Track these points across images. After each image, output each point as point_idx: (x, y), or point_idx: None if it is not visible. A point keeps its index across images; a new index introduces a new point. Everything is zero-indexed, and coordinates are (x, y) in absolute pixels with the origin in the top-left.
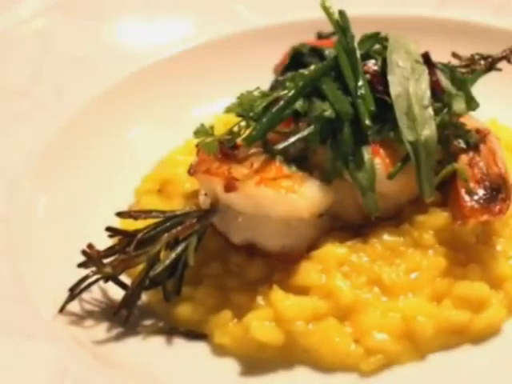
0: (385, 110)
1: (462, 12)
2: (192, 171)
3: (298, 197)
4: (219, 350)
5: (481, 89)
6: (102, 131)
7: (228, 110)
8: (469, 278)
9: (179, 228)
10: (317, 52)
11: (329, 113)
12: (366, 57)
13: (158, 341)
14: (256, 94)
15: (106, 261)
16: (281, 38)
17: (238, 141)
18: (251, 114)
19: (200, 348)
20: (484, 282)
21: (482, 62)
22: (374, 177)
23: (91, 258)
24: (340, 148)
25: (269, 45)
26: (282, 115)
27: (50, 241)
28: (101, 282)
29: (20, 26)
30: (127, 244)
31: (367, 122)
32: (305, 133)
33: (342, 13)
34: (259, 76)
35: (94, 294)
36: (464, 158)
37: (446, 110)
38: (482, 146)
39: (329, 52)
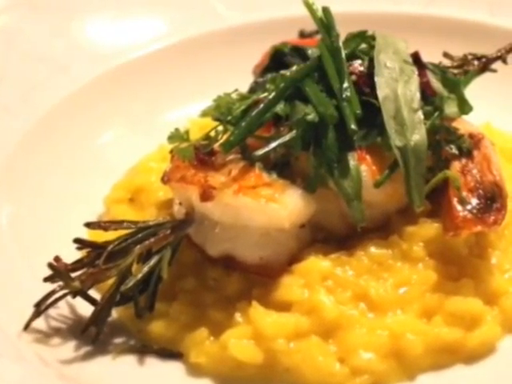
0: (372, 114)
1: (454, 9)
2: (166, 179)
3: (279, 206)
4: (195, 370)
5: (474, 91)
6: (70, 136)
7: (204, 114)
8: (461, 293)
9: (152, 239)
10: (299, 52)
11: (312, 116)
12: (352, 57)
13: (130, 360)
14: (234, 96)
15: (73, 275)
16: (260, 36)
17: (215, 146)
18: (229, 118)
19: (174, 367)
20: (477, 297)
21: (476, 63)
22: (360, 185)
23: (58, 271)
24: (324, 154)
25: (247, 44)
26: (261, 119)
27: (15, 253)
28: (68, 298)
29: None
30: (97, 257)
31: (353, 126)
32: (286, 138)
33: (325, 10)
34: (237, 77)
35: (62, 310)
36: (456, 165)
37: (437, 114)
38: (476, 151)
39: (312, 52)
